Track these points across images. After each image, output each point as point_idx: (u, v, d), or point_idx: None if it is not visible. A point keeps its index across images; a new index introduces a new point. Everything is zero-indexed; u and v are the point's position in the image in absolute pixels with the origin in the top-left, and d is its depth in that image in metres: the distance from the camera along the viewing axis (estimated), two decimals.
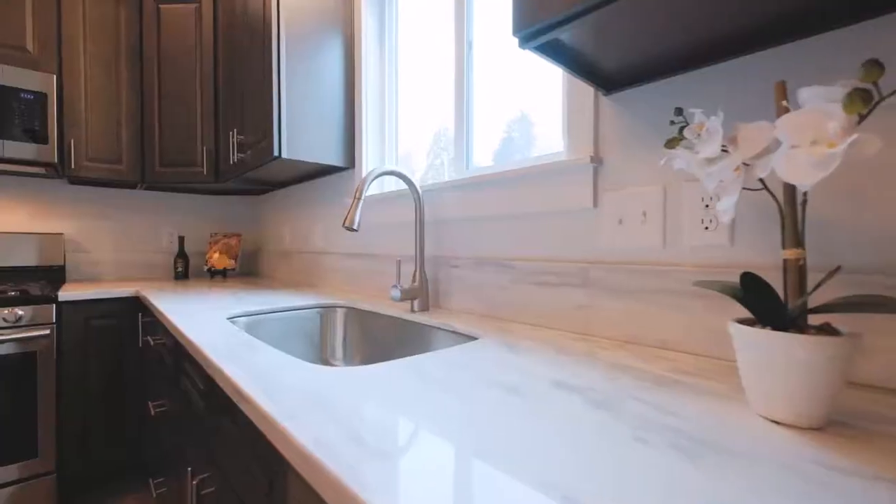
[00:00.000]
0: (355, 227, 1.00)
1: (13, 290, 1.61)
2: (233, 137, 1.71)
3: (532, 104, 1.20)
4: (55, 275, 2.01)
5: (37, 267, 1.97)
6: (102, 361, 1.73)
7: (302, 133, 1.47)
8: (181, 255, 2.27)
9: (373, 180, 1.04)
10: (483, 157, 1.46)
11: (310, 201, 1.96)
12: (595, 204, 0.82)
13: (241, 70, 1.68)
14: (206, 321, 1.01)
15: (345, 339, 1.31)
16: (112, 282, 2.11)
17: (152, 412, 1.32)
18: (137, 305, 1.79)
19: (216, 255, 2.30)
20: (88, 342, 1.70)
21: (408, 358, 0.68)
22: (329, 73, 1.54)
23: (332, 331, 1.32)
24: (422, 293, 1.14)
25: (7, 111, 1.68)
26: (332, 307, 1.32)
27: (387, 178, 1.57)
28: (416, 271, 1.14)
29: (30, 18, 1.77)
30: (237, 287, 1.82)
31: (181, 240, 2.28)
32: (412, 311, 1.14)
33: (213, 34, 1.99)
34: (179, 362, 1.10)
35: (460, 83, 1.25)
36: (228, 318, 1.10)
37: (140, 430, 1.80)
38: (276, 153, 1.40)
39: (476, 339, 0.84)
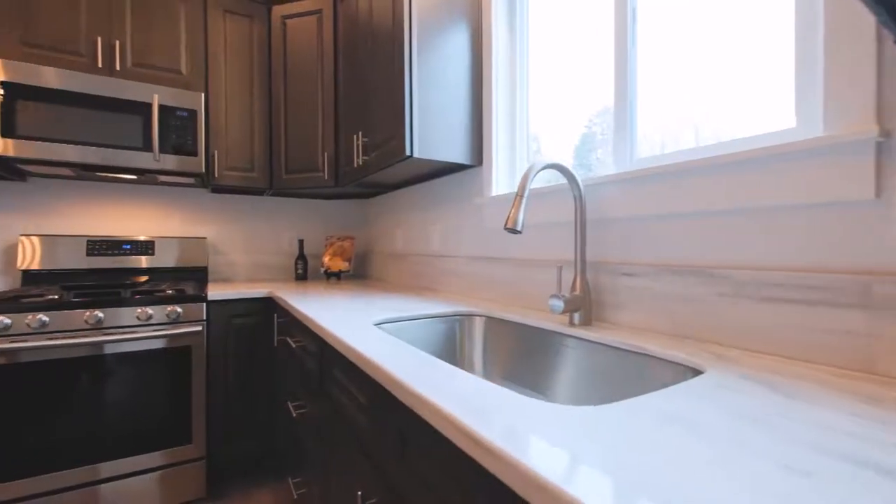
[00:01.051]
0: (518, 227, 0.89)
1: (171, 290, 1.77)
2: (357, 140, 1.71)
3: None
4: (200, 275, 2.21)
5: (186, 268, 2.17)
6: (241, 358, 1.84)
7: (431, 131, 1.40)
8: (301, 257, 2.38)
9: (535, 175, 0.92)
10: (562, 154, 1.35)
11: (425, 202, 1.91)
12: (878, 193, 0.60)
13: (365, 72, 1.67)
14: (356, 328, 0.96)
15: (484, 350, 1.20)
16: (243, 282, 2.27)
17: (293, 413, 1.34)
18: (270, 305, 1.88)
19: (331, 258, 2.38)
20: (230, 339, 1.82)
21: (639, 398, 0.53)
22: (455, 66, 1.46)
23: (470, 341, 1.22)
24: (584, 304, 0.98)
25: (166, 128, 1.86)
26: (470, 315, 1.23)
27: (517, 174, 1.44)
28: (576, 278, 1.00)
29: (183, 44, 1.95)
30: (357, 290, 1.83)
31: (301, 243, 2.39)
32: (571, 324, 0.99)
33: (332, 41, 2.04)
34: (325, 368, 1.07)
35: (622, 59, 1.07)
36: (375, 325, 1.06)
37: (273, 426, 1.89)
38: (408, 153, 1.35)
39: (700, 371, 0.67)
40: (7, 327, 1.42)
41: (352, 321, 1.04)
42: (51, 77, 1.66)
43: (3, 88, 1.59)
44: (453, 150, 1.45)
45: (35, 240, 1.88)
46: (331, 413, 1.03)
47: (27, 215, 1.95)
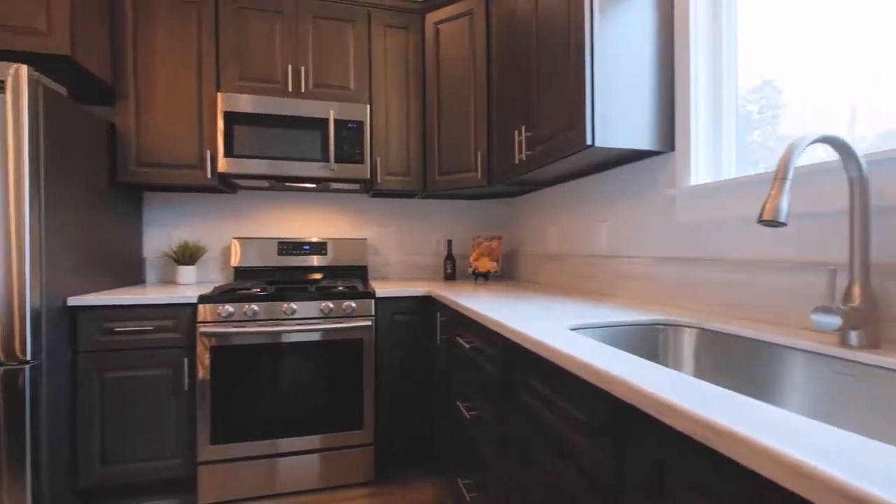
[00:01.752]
0: (782, 219, 0.70)
1: (343, 286, 1.93)
2: (518, 136, 1.65)
3: (780, 69, 1.07)
4: (361, 273, 2.40)
5: (350, 266, 2.38)
6: (403, 353, 1.92)
7: (613, 116, 1.25)
8: (449, 257, 2.42)
9: (801, 152, 0.71)
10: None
11: (590, 198, 1.75)
12: None
13: (528, 63, 1.60)
14: (552, 332, 0.88)
15: (697, 369, 1.01)
16: (396, 281, 2.40)
17: (466, 415, 1.32)
18: (429, 303, 1.93)
19: (478, 258, 2.37)
20: (393, 334, 1.91)
21: None
22: (637, 35, 1.28)
23: (676, 356, 1.04)
24: (868, 320, 0.74)
25: (340, 140, 2.05)
26: (676, 326, 1.05)
27: (724, 159, 1.21)
28: (853, 285, 0.76)
29: (351, 62, 2.14)
30: (512, 291, 1.77)
31: (449, 243, 2.44)
32: (844, 344, 0.76)
33: (485, 40, 2.02)
34: (513, 373, 1.01)
35: None
36: (571, 329, 0.96)
37: (435, 422, 1.94)
38: (588, 142, 1.23)
39: None
40: (231, 314, 1.70)
41: (541, 325, 0.96)
42: (256, 103, 1.96)
43: (224, 117, 1.93)
44: (638, 135, 1.28)
45: (242, 242, 2.25)
46: (520, 422, 0.97)
47: (237, 221, 2.35)
